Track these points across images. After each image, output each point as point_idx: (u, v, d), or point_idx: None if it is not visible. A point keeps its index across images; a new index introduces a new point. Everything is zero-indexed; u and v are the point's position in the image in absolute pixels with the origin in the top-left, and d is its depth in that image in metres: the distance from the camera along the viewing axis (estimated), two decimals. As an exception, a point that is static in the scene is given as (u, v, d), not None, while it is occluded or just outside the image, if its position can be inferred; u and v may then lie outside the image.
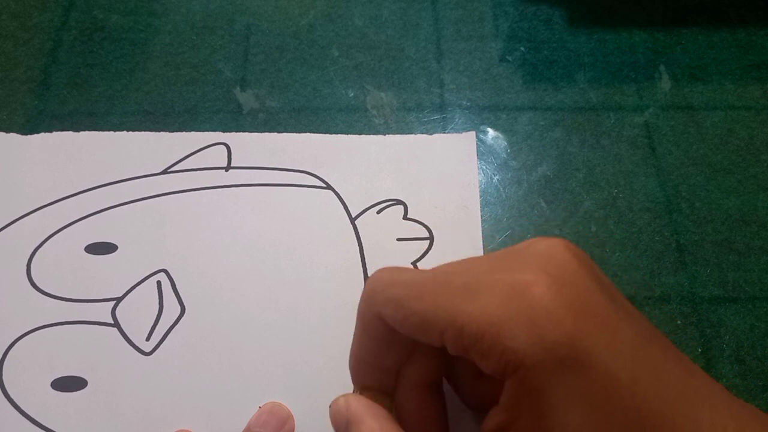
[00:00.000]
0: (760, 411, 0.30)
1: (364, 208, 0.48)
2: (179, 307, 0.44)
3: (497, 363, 0.29)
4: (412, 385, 0.36)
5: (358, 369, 0.37)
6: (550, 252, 0.31)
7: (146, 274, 0.45)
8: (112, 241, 0.46)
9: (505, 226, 0.48)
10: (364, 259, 0.46)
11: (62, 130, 0.51)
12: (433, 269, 0.34)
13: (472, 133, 0.52)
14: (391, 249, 0.46)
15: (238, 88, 0.55)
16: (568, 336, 0.28)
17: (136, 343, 0.43)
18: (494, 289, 0.30)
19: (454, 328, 0.30)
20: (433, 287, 0.32)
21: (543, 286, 0.29)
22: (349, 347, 0.40)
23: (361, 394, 0.36)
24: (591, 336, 0.28)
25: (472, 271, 0.32)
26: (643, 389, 0.28)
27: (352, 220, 0.48)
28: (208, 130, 0.52)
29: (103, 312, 0.44)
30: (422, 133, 0.52)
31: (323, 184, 0.49)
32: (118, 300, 0.44)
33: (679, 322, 0.44)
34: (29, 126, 0.52)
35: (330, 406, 0.37)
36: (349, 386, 0.42)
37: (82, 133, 0.51)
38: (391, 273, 0.34)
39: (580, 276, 0.30)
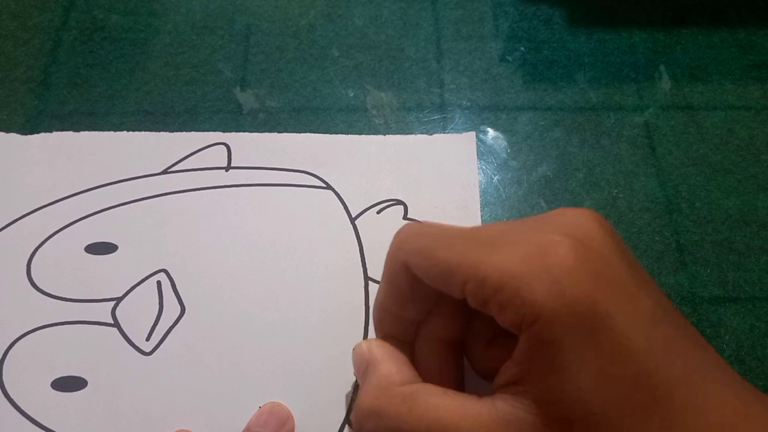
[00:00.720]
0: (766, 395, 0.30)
1: (364, 208, 0.48)
2: (179, 307, 0.44)
3: (515, 315, 0.29)
4: (431, 339, 0.36)
5: (381, 318, 0.38)
6: (577, 219, 0.32)
7: (146, 274, 0.45)
8: (112, 241, 0.46)
9: (505, 226, 0.48)
10: (364, 259, 0.46)
11: (62, 130, 0.51)
12: (461, 226, 0.35)
13: (472, 133, 0.52)
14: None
15: (238, 88, 0.55)
16: (587, 295, 0.28)
17: (136, 343, 0.43)
18: (518, 245, 0.30)
19: (476, 278, 0.31)
20: (460, 239, 0.33)
21: (566, 247, 0.30)
22: (349, 347, 0.40)
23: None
24: (609, 299, 0.29)
25: (499, 230, 0.33)
26: (656, 357, 0.28)
27: (352, 220, 0.48)
28: (208, 130, 0.52)
29: (103, 312, 0.44)
30: (422, 133, 0.52)
31: (323, 184, 0.49)
32: (118, 300, 0.44)
33: (679, 322, 0.45)
34: (29, 126, 0.52)
35: (353, 349, 0.38)
36: (348, 385, 0.42)
37: (82, 133, 0.51)
38: (420, 226, 0.36)
39: (603, 244, 0.31)
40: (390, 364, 0.35)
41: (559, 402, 0.29)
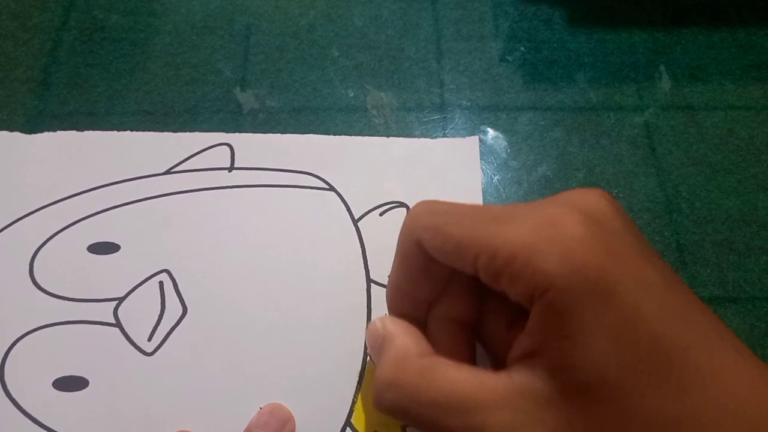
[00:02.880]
0: None
1: (366, 210, 0.48)
2: (181, 307, 0.44)
3: (527, 285, 0.30)
4: (443, 318, 0.37)
5: (395, 297, 0.38)
6: (585, 196, 0.33)
7: (148, 275, 0.45)
8: (115, 241, 0.46)
9: (505, 226, 0.48)
10: (367, 261, 0.46)
11: (62, 130, 0.51)
12: (471, 204, 0.35)
13: (475, 138, 0.52)
14: (393, 251, 0.46)
15: (238, 88, 0.55)
16: (597, 262, 0.29)
17: (138, 344, 0.43)
18: (528, 218, 0.31)
19: (488, 250, 0.31)
20: (471, 215, 0.33)
21: (574, 219, 0.30)
22: (351, 349, 0.41)
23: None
24: (618, 268, 0.29)
25: (508, 207, 0.33)
26: (669, 323, 0.29)
27: (355, 222, 0.48)
28: (208, 130, 0.51)
29: (105, 312, 0.44)
30: (422, 133, 0.52)
31: (326, 186, 0.49)
32: (120, 300, 0.44)
33: (679, 322, 0.45)
34: (29, 126, 0.52)
35: (367, 328, 0.38)
36: (348, 388, 0.42)
37: (85, 132, 0.51)
38: (432, 203, 0.36)
39: (611, 218, 0.32)
40: (406, 337, 0.35)
41: (573, 369, 0.29)
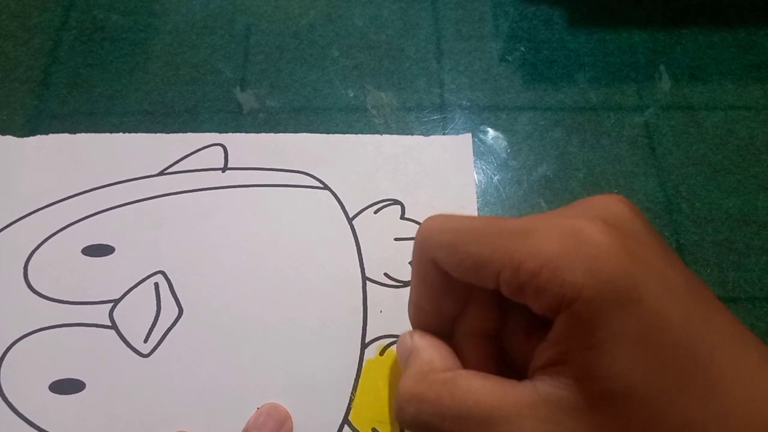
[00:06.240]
0: None
1: (361, 208, 0.48)
2: (177, 308, 0.44)
3: (553, 298, 0.29)
4: (468, 333, 0.37)
5: (417, 317, 0.38)
6: (605, 203, 0.32)
7: (144, 276, 0.45)
8: (109, 243, 0.46)
9: (504, 226, 0.48)
10: (362, 259, 0.46)
11: (62, 130, 0.51)
12: (483, 216, 0.35)
13: (468, 135, 0.52)
14: (388, 249, 0.46)
15: (238, 88, 0.54)
16: (624, 270, 0.29)
17: (134, 345, 0.43)
18: (550, 230, 0.31)
19: (511, 266, 0.31)
20: (488, 230, 0.33)
21: (597, 228, 0.30)
22: (347, 347, 0.41)
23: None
24: (644, 275, 0.29)
25: (525, 219, 0.33)
26: (694, 328, 0.28)
27: (350, 220, 0.47)
28: (208, 130, 0.51)
29: (100, 314, 0.44)
30: (422, 133, 0.52)
31: (320, 185, 0.49)
32: (116, 302, 0.44)
33: (678, 323, 0.44)
34: (29, 126, 0.52)
35: (398, 340, 0.38)
36: (346, 386, 0.42)
37: (78, 135, 0.51)
38: (442, 220, 0.35)
39: (634, 225, 0.31)
40: (432, 351, 0.35)
41: (599, 377, 0.28)
